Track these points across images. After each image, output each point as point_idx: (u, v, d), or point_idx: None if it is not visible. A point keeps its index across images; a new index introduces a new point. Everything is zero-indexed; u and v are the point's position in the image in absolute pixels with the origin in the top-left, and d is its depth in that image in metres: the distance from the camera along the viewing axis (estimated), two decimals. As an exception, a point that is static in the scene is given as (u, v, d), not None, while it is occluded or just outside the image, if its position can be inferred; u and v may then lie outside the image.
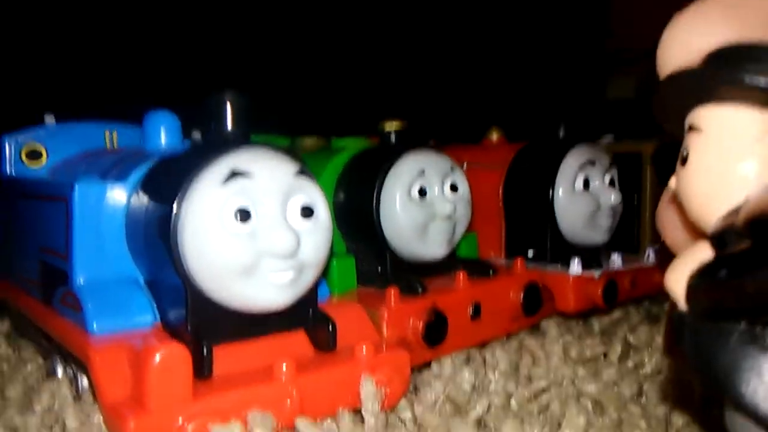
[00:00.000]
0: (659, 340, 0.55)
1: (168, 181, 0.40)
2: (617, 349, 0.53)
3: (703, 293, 0.24)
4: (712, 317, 0.24)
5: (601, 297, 0.58)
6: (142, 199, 0.43)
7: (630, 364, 0.51)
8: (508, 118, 0.83)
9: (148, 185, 0.43)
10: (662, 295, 0.66)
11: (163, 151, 0.47)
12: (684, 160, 0.28)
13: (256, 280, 0.37)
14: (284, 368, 0.37)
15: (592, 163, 0.62)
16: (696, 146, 0.28)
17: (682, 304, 0.26)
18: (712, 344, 0.24)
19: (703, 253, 0.26)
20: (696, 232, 0.29)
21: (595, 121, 0.84)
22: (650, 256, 0.66)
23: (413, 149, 0.55)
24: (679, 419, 0.41)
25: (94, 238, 0.44)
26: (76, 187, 0.43)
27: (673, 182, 0.30)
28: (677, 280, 0.26)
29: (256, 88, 0.46)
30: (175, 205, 0.38)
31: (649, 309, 0.67)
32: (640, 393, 0.45)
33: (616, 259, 0.62)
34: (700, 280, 0.25)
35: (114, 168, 0.48)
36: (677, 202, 0.32)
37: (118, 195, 0.44)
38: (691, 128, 0.28)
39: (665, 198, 0.33)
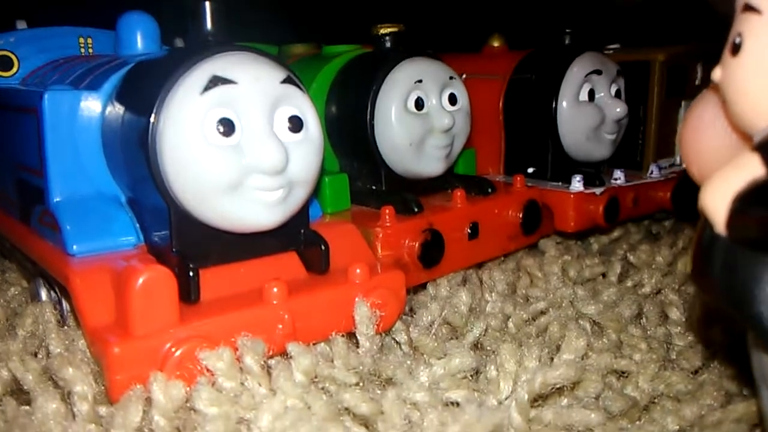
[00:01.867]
0: (659, 259, 0.53)
1: (144, 89, 0.37)
2: (616, 268, 0.52)
3: (752, 219, 0.21)
4: (759, 248, 0.21)
5: (603, 215, 0.56)
6: (117, 110, 0.40)
7: (629, 284, 0.50)
8: (510, 24, 0.78)
9: (123, 94, 0.40)
10: (664, 212, 0.65)
11: (139, 57, 0.44)
12: (735, 49, 0.23)
13: (243, 198, 0.35)
14: (275, 291, 0.36)
15: (598, 72, 0.59)
16: (753, 31, 0.23)
17: (720, 227, 0.22)
18: (751, 275, 0.21)
19: (751, 166, 0.22)
20: (743, 139, 0.25)
21: (602, 27, 0.80)
22: (654, 172, 0.64)
23: (409, 56, 0.51)
24: (679, 340, 0.41)
25: (69, 152, 0.41)
26: (46, 96, 0.40)
27: (717, 74, 0.25)
28: (717, 199, 0.22)
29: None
30: (152, 117, 0.35)
31: (648, 227, 0.66)
32: (640, 314, 0.44)
33: (618, 176, 0.60)
34: (750, 203, 0.21)
35: (87, 76, 0.44)
36: (715, 107, 0.27)
37: (92, 105, 0.41)
38: (748, 8, 0.23)
39: (692, 116, 0.28)
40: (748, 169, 0.22)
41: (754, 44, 0.23)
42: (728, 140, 0.26)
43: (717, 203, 0.22)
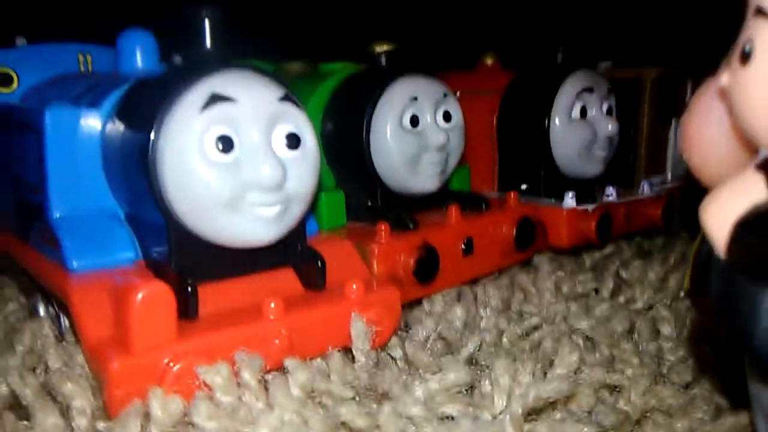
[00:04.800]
0: (651, 275, 0.54)
1: (144, 107, 0.37)
2: (609, 284, 0.53)
3: (752, 248, 0.19)
4: (758, 277, 0.19)
5: (595, 232, 0.57)
6: (117, 127, 0.40)
7: (622, 299, 0.51)
8: (504, 42, 0.79)
9: (123, 112, 0.40)
10: (655, 229, 0.66)
11: (138, 74, 0.44)
12: (745, 56, 0.21)
13: (241, 214, 0.36)
14: (272, 307, 0.36)
15: (590, 90, 0.60)
16: (765, 39, 0.21)
17: (719, 249, 0.21)
18: (749, 306, 0.19)
19: (754, 188, 0.20)
20: (748, 149, 0.23)
21: (594, 44, 0.81)
22: (645, 189, 0.65)
23: (404, 74, 0.52)
24: (671, 355, 0.41)
25: (69, 169, 0.41)
26: (47, 113, 0.41)
27: (724, 80, 0.23)
28: (718, 221, 0.20)
29: (238, 8, 0.42)
30: (152, 134, 0.35)
31: (640, 244, 0.66)
32: (632, 329, 0.45)
33: (610, 193, 0.61)
34: (751, 231, 0.19)
35: (87, 93, 0.45)
36: (719, 112, 0.25)
37: (92, 122, 0.42)
38: (760, 12, 0.21)
39: (697, 104, 0.26)
40: (751, 191, 0.20)
41: (765, 51, 0.21)
42: (735, 141, 0.24)
43: (717, 225, 0.21)
